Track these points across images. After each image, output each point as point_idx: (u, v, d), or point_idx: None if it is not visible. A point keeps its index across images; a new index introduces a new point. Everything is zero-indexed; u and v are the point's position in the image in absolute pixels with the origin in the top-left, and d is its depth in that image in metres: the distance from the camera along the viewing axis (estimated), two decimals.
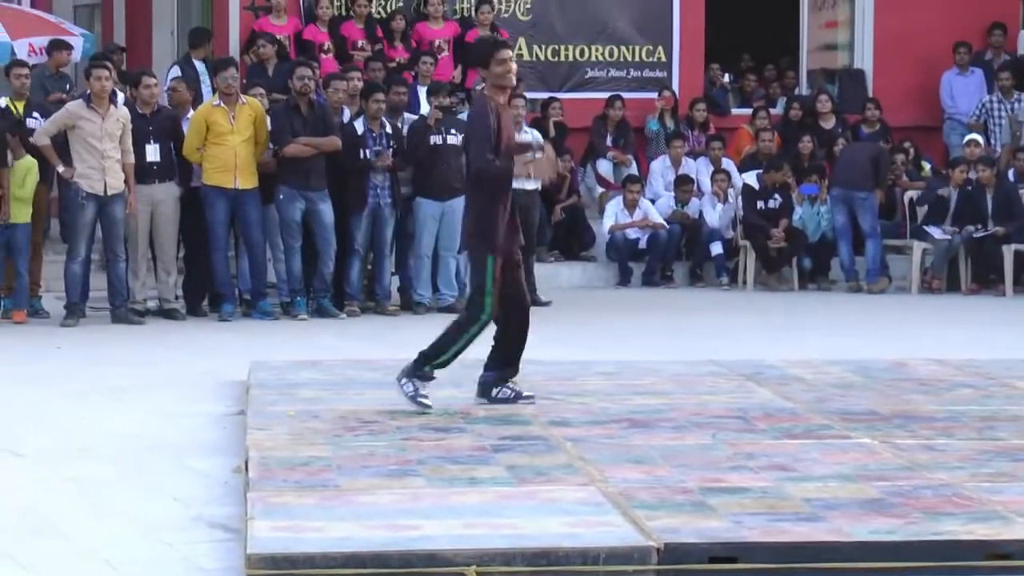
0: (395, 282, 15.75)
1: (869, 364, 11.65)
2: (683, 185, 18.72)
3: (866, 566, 6.52)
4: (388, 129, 15.27)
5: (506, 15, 19.41)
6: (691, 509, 7.12)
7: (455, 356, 9.77)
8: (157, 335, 13.97)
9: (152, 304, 15.02)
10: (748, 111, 20.25)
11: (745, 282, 18.17)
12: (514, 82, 10.04)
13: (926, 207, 18.20)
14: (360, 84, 15.91)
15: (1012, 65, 20.31)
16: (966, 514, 7.05)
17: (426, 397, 9.66)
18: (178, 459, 8.70)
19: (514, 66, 9.81)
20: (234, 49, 18.08)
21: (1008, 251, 17.49)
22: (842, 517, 6.98)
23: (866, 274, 18.09)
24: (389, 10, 18.89)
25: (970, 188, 17.95)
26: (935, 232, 17.88)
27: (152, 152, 14.78)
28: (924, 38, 20.39)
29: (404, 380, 9.70)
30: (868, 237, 18.07)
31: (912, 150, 19.36)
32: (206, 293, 15.24)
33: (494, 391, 9.88)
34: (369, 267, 15.57)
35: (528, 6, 19.66)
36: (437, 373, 9.74)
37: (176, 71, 17.09)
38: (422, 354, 9.72)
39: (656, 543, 6.54)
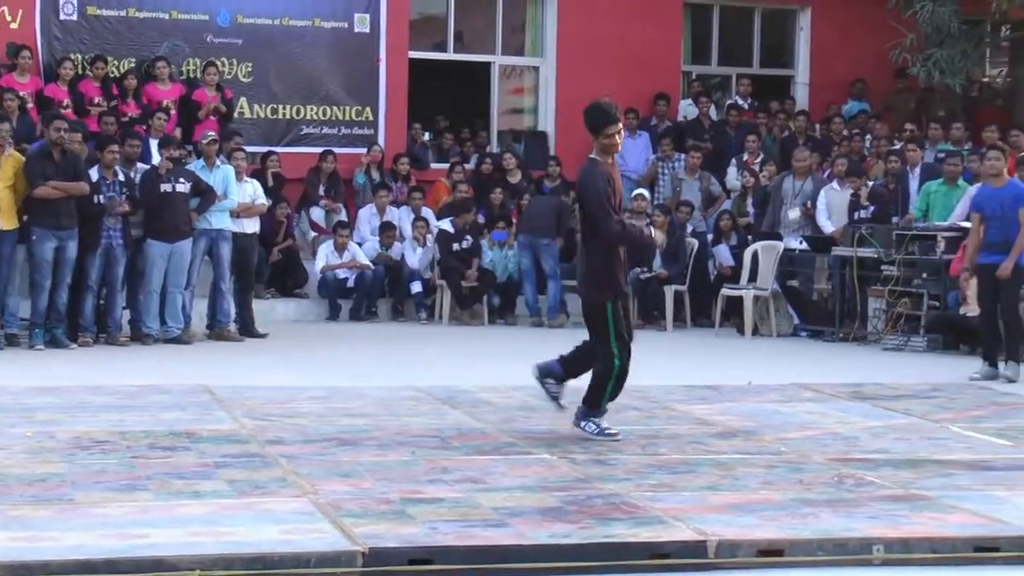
0: (126, 315, 15.50)
1: None
2: (387, 231, 18.80)
3: (546, 566, 6.62)
4: (121, 177, 15.06)
5: (229, 76, 19.28)
6: (393, 517, 7.15)
7: (609, 400, 9.59)
8: None
9: None
10: (445, 166, 20.41)
11: (441, 317, 18.29)
12: (618, 150, 9.70)
13: None
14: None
15: (673, 131, 20.86)
16: (632, 519, 7.20)
17: (610, 428, 9.54)
18: None
19: (619, 138, 9.52)
20: None
21: (669, 291, 17.92)
22: (525, 523, 7.08)
23: (547, 311, 18.36)
24: (122, 70, 18.62)
25: None
26: None
27: None
28: None
29: (584, 422, 9.55)
30: (550, 278, 18.35)
31: None
32: None
33: (546, 381, 9.81)
34: (101, 302, 15.30)
35: (249, 69, 19.54)
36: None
37: None
38: (585, 402, 9.60)
39: (361, 547, 6.56)
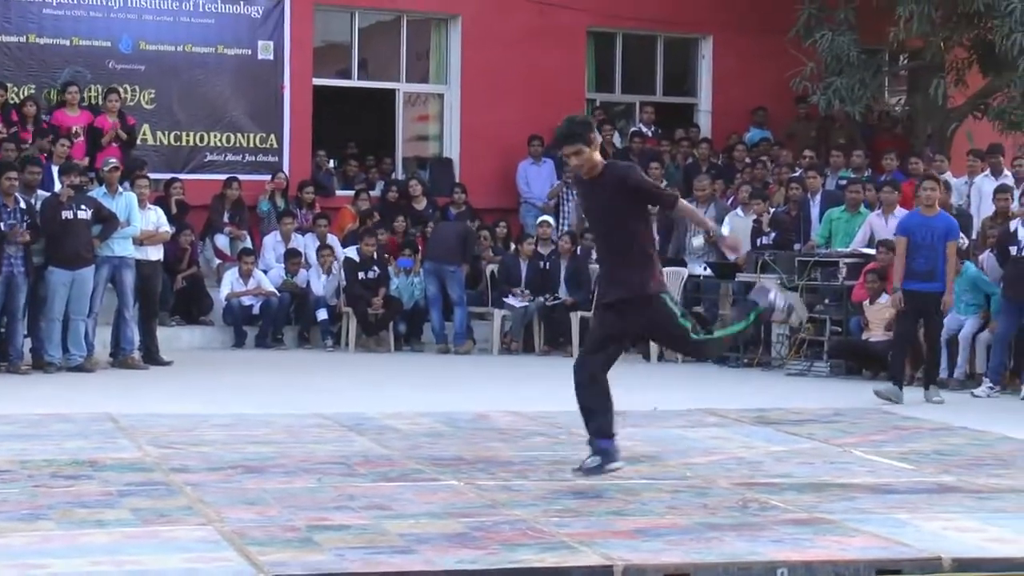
0: (27, 344, 15.32)
1: (455, 416, 11.79)
2: (292, 258, 18.73)
3: None
4: (22, 204, 14.91)
5: (132, 103, 19.15)
6: (299, 545, 7.11)
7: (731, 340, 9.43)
8: None
9: None
10: (351, 193, 20.37)
11: (347, 344, 18.25)
12: (581, 169, 8.67)
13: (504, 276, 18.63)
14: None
15: None
16: (538, 545, 7.20)
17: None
18: None
19: (575, 161, 8.60)
20: None
21: (575, 317, 17.97)
22: (432, 550, 7.05)
23: (454, 337, 18.36)
24: (22, 96, 18.46)
25: (543, 263, 18.40)
26: (513, 301, 18.28)
27: None
28: (503, 132, 20.88)
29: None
30: (456, 305, 18.36)
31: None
32: None
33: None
34: (2, 330, 15.12)
35: (152, 95, 19.43)
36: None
37: None
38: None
39: (267, 575, 6.52)
